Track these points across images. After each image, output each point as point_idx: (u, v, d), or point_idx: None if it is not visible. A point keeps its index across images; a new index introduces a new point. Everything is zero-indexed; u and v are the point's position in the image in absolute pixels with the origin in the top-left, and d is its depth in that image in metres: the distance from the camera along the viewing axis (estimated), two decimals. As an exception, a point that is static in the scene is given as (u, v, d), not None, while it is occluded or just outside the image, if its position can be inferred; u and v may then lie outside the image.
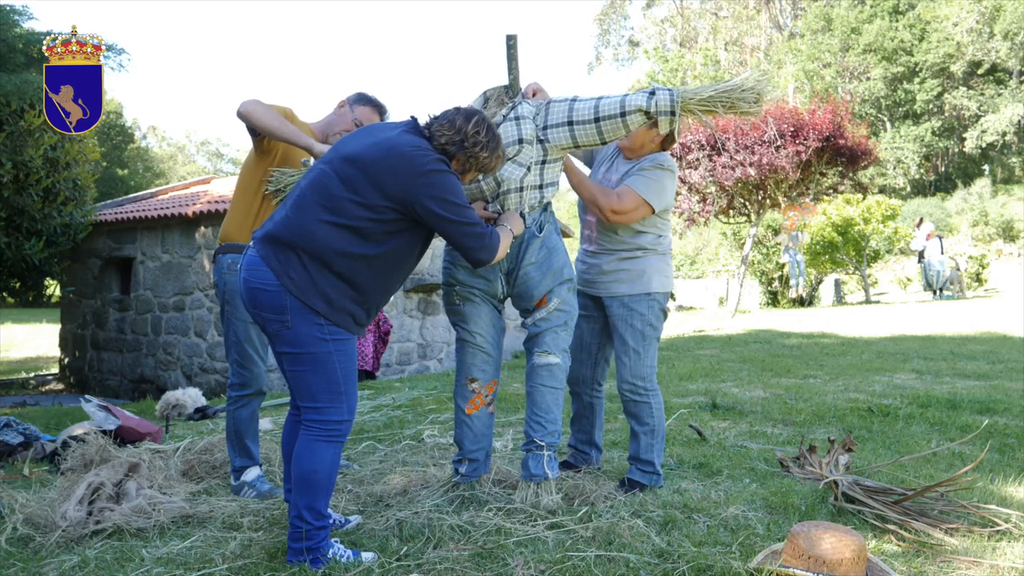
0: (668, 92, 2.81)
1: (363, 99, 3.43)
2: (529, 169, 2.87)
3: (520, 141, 2.84)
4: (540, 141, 2.88)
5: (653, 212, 3.10)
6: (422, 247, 2.56)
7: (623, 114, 2.81)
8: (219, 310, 3.39)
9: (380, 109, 3.44)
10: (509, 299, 3.07)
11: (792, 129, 13.78)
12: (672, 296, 3.29)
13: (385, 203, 2.34)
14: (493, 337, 3.06)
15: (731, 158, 13.99)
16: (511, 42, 2.91)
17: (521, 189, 2.88)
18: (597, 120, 2.83)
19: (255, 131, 3.13)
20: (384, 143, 2.40)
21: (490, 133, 2.52)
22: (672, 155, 15.34)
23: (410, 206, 2.36)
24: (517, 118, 2.87)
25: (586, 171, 3.32)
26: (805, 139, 13.61)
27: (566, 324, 3.01)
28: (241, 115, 3.08)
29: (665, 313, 3.25)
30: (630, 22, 48.46)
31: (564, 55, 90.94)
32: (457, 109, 2.54)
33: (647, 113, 2.81)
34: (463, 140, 2.46)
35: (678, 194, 15.52)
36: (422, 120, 2.55)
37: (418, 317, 9.31)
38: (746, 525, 2.64)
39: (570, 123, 2.85)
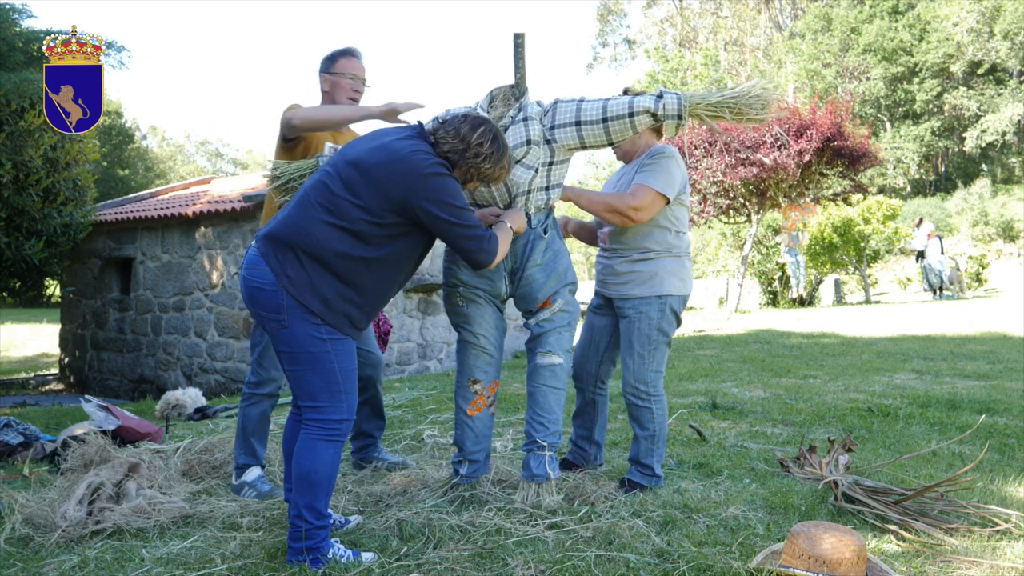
0: (676, 96, 2.80)
1: (332, 58, 3.31)
2: (537, 171, 2.87)
3: (528, 143, 2.83)
4: (547, 142, 2.87)
5: (668, 202, 3.06)
6: (422, 252, 2.55)
7: (631, 114, 2.81)
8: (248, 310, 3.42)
9: (347, 52, 3.32)
10: (511, 299, 3.07)
11: (796, 129, 13.77)
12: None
13: (385, 206, 2.34)
14: (496, 338, 3.06)
15: (734, 158, 13.99)
16: (518, 40, 2.89)
17: (529, 192, 2.87)
18: (605, 120, 2.83)
19: (293, 135, 3.13)
20: (386, 147, 2.40)
21: (495, 144, 2.49)
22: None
23: (410, 209, 2.36)
24: (526, 119, 2.86)
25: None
26: (809, 140, 13.60)
27: (569, 325, 3.01)
28: (298, 127, 3.07)
29: (678, 318, 3.17)
30: (627, 21, 48.41)
31: (564, 55, 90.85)
32: (464, 117, 2.52)
33: (654, 115, 2.81)
34: (465, 149, 2.45)
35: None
36: (430, 124, 2.55)
37: (418, 317, 9.30)
38: (746, 525, 2.64)
39: (578, 123, 2.85)
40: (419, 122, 2.56)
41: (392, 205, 2.35)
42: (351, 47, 3.35)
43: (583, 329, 3.44)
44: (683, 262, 3.17)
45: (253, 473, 3.25)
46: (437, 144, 2.46)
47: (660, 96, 2.81)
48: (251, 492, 3.18)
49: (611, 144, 2.93)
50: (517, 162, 2.83)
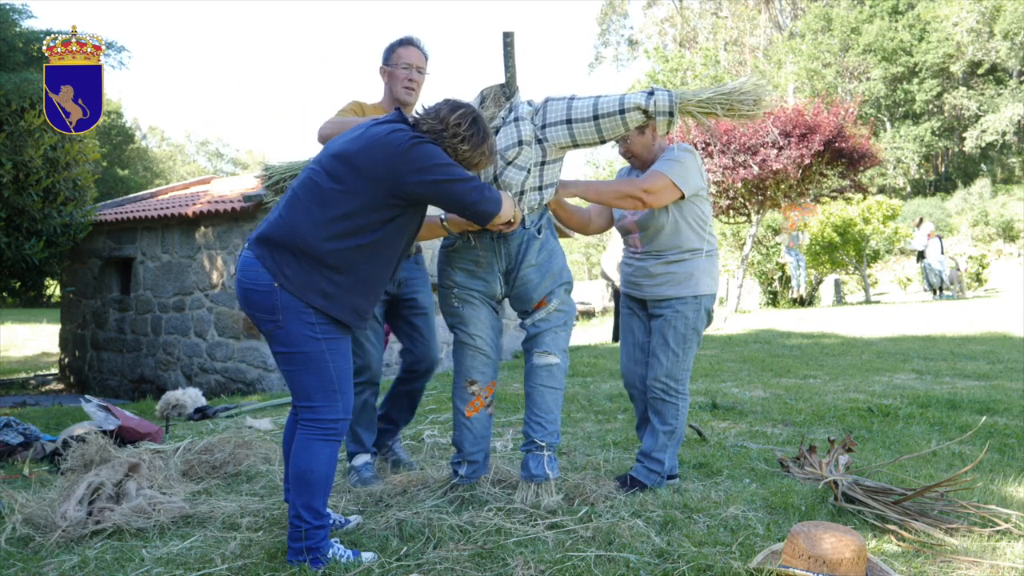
0: (667, 93, 2.80)
1: (390, 49, 3.37)
2: (529, 172, 2.86)
3: (520, 143, 2.82)
4: (539, 141, 2.86)
5: (683, 196, 3.03)
6: (416, 228, 2.56)
7: (622, 111, 2.80)
8: None
9: (404, 41, 3.37)
10: (507, 299, 3.07)
11: (799, 132, 13.73)
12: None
13: (378, 192, 2.35)
14: (492, 339, 3.06)
15: (732, 160, 13.98)
16: (508, 39, 2.88)
17: (522, 192, 2.87)
18: (596, 118, 2.82)
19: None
20: (365, 135, 2.42)
21: (474, 127, 2.48)
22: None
23: (401, 187, 2.36)
24: (516, 119, 2.85)
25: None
26: (810, 144, 13.58)
27: (565, 324, 3.01)
28: (320, 142, 3.11)
29: (710, 316, 3.18)
30: (629, 21, 48.41)
31: (565, 55, 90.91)
32: (447, 100, 2.53)
33: (645, 112, 2.80)
34: (443, 130, 2.45)
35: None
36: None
37: (418, 317, 9.30)
38: (746, 525, 2.64)
39: (568, 121, 2.84)
40: (397, 109, 2.57)
41: (384, 189, 2.35)
42: (409, 36, 3.38)
43: (622, 339, 3.41)
44: (713, 261, 3.18)
45: (360, 460, 3.38)
46: (416, 125, 2.47)
47: (651, 93, 2.81)
48: (354, 477, 3.32)
49: (603, 142, 2.92)
50: (509, 163, 2.82)
